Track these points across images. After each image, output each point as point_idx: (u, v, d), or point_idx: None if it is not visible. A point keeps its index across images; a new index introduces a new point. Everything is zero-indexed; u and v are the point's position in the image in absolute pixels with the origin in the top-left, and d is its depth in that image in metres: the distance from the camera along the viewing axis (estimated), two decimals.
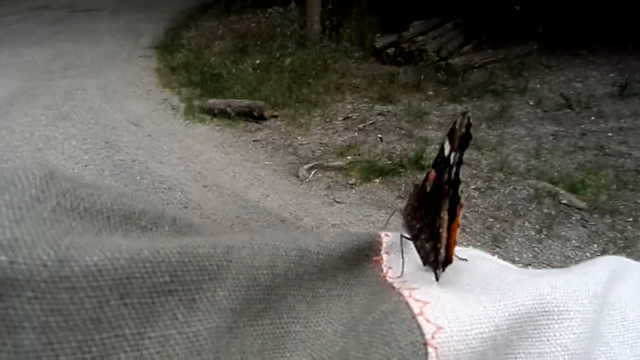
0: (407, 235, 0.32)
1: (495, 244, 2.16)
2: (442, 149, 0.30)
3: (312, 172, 2.83)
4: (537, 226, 2.28)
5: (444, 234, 0.30)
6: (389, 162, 2.88)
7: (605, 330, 0.27)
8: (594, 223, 2.28)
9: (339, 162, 2.91)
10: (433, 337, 0.22)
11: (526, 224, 2.31)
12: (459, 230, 0.30)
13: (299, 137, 3.33)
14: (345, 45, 4.89)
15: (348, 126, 3.46)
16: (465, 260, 0.30)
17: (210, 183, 2.76)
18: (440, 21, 4.89)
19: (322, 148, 3.14)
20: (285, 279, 0.24)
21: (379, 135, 3.27)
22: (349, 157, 2.98)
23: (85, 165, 2.97)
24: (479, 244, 2.15)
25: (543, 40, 4.26)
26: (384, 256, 0.32)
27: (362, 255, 0.31)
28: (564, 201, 2.42)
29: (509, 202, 2.48)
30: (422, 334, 0.22)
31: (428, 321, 0.23)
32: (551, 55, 4.40)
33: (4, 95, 4.09)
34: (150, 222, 0.22)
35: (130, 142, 3.28)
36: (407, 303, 0.24)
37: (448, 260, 0.28)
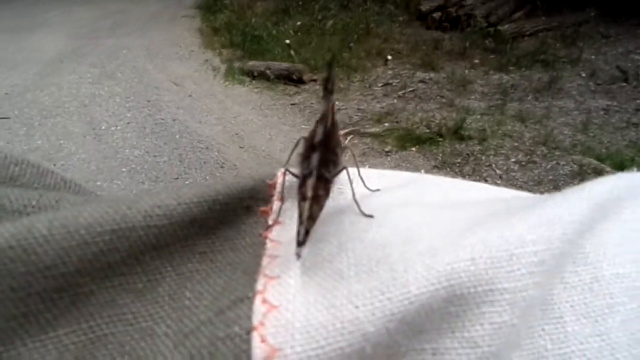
0: (296, 174, 0.25)
1: None
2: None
3: (348, 138, 2.81)
4: None
5: (306, 203, 0.22)
6: (427, 130, 2.82)
7: (562, 297, 0.19)
8: None
9: (375, 129, 2.87)
10: None
11: None
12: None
13: (336, 102, 3.29)
14: (389, 9, 4.74)
15: (387, 93, 3.39)
16: (371, 217, 0.23)
17: (247, 144, 2.79)
18: None
19: (359, 114, 3.10)
20: (91, 271, 0.19)
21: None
22: (386, 124, 2.93)
23: (128, 123, 3.05)
24: None
25: (602, 7, 3.99)
26: (275, 204, 0.24)
27: (240, 208, 0.24)
28: None
29: (550, 177, 2.39)
30: None
31: (263, 340, 0.18)
32: (610, 24, 4.12)
33: (53, 52, 4.23)
34: None
35: (171, 101, 3.35)
36: (250, 306, 0.19)
37: (301, 238, 0.21)
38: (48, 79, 3.68)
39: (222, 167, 2.57)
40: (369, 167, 0.29)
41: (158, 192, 0.22)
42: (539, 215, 0.21)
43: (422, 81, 3.52)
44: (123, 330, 0.19)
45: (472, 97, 3.28)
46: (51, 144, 2.82)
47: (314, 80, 3.58)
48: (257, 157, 2.65)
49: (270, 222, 0.24)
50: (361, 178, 0.27)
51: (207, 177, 2.50)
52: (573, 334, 0.19)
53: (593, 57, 3.74)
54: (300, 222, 0.21)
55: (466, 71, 3.64)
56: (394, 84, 3.51)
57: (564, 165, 2.46)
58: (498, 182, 2.38)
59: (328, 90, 0.25)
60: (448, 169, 2.47)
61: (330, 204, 0.24)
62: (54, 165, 2.54)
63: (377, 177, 0.28)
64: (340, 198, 0.26)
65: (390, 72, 3.72)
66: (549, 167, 2.46)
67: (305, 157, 0.25)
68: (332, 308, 0.18)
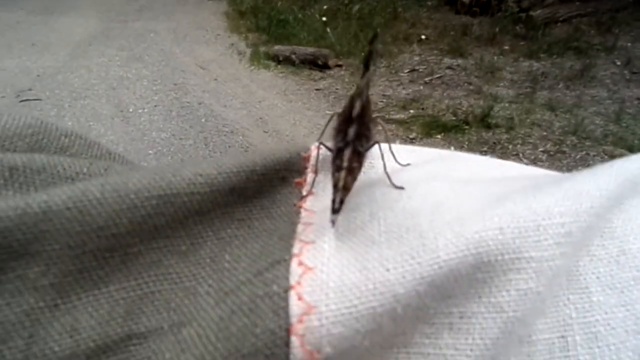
0: (330, 148, 0.25)
1: None
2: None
3: None
4: None
5: (342, 173, 0.23)
6: (454, 118, 2.78)
7: (588, 269, 0.20)
8: None
9: (400, 116, 2.85)
10: (301, 321, 0.18)
11: None
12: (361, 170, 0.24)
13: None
14: None
15: (414, 79, 3.35)
16: (401, 188, 0.23)
17: (271, 129, 2.80)
18: None
19: (384, 100, 3.07)
20: (139, 232, 0.20)
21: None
22: (411, 111, 2.90)
23: (155, 106, 3.09)
24: None
25: None
26: (309, 176, 0.25)
27: (276, 179, 0.25)
28: None
29: (580, 168, 2.33)
30: (288, 317, 0.18)
31: (300, 298, 0.18)
32: None
33: (83, 35, 4.30)
34: None
35: (197, 85, 3.37)
36: (287, 268, 0.20)
37: (337, 206, 0.21)
38: (78, 61, 3.74)
39: (246, 151, 2.59)
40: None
41: (199, 161, 0.23)
42: (566, 189, 0.21)
43: (449, 67, 3.46)
44: (169, 289, 0.21)
45: (501, 84, 3.22)
46: (81, 125, 2.88)
47: (339, 66, 3.56)
48: (281, 142, 2.66)
49: (304, 192, 0.25)
50: (392, 153, 0.28)
51: None
52: (598, 304, 0.19)
53: (629, 44, 3.61)
54: (336, 191, 0.22)
55: (495, 58, 3.56)
56: (420, 70, 3.46)
57: (594, 156, 2.40)
58: None
59: (367, 66, 0.26)
60: None
61: (361, 177, 0.25)
62: None
63: (407, 152, 0.29)
64: (371, 172, 0.27)
65: (417, 58, 3.67)
66: (579, 158, 2.40)
67: (339, 131, 0.25)
68: (364, 270, 0.19)
